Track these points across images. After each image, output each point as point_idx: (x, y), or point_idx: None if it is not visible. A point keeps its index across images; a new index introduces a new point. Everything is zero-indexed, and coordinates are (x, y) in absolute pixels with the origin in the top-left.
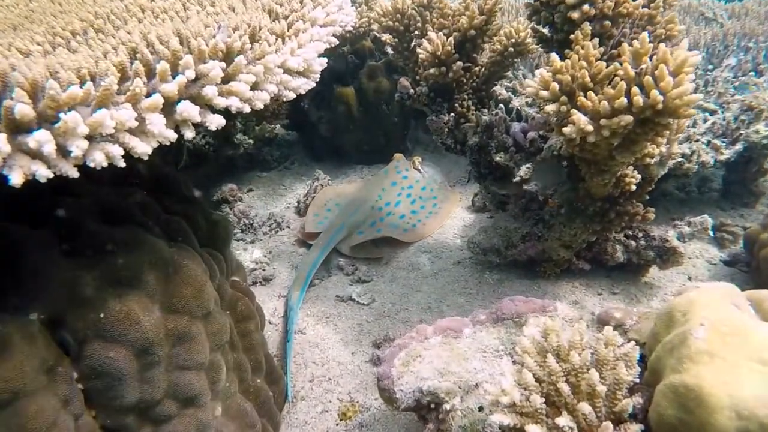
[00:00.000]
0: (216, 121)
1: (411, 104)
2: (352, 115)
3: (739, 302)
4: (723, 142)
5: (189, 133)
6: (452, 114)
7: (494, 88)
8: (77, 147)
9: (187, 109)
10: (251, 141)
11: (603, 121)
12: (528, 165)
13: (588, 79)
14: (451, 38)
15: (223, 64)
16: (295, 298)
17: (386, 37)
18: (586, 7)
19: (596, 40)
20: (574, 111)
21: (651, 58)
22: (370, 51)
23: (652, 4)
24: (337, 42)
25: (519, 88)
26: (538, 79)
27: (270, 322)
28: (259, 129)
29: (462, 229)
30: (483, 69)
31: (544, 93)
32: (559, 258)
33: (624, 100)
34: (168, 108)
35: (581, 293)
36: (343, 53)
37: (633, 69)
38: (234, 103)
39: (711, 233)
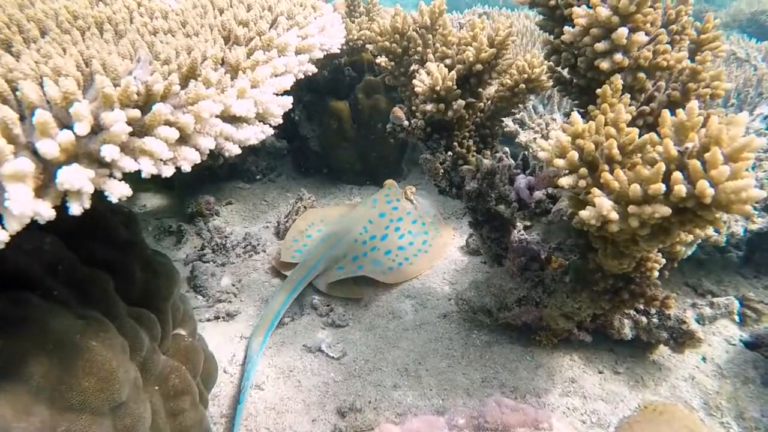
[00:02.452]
0: (119, 192)
1: (404, 137)
2: (345, 131)
3: None
4: (755, 208)
5: (76, 208)
6: (450, 153)
7: (506, 123)
8: None
9: (68, 180)
10: None
11: (632, 209)
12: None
13: (616, 151)
14: (454, 72)
15: (137, 113)
16: (256, 345)
17: (382, 60)
18: (618, 56)
19: (628, 97)
20: (595, 190)
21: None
22: (369, 64)
23: (697, 58)
24: (315, 70)
25: (528, 121)
26: (554, 143)
27: (225, 372)
28: None
29: (453, 273)
30: (489, 103)
31: (560, 162)
32: (558, 328)
33: (661, 186)
34: (51, 172)
35: (580, 369)
36: (339, 65)
37: (675, 147)
38: (145, 167)
39: (737, 318)
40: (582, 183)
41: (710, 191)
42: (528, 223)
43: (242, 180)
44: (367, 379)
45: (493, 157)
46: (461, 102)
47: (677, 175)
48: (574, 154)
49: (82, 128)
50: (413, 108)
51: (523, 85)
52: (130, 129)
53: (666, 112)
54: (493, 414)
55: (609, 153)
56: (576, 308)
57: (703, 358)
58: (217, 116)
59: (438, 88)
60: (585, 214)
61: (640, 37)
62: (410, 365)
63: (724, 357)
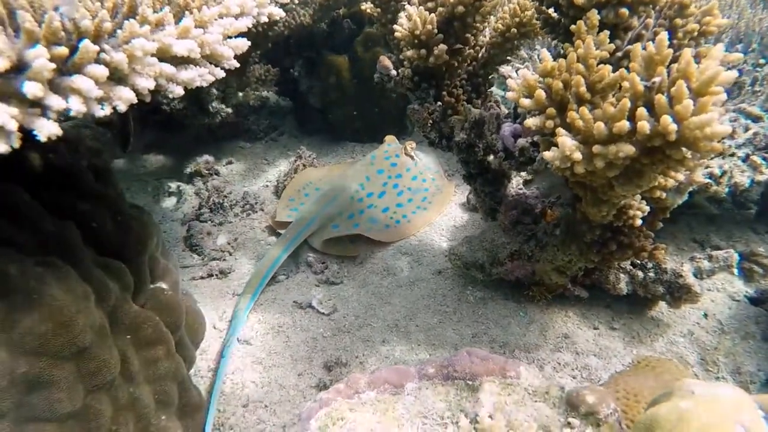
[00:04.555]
0: (48, 130)
1: (393, 87)
2: (345, 87)
3: (748, 419)
4: (764, 158)
5: (1, 146)
6: (439, 103)
7: (502, 70)
8: None
9: None
10: (229, 110)
11: (596, 148)
12: (524, 172)
13: (583, 89)
14: (434, 15)
15: (65, 51)
16: (244, 302)
17: (368, 6)
18: None
19: (605, 34)
20: (560, 130)
21: (671, 66)
22: (369, 16)
23: None
24: (282, 13)
25: None
26: (521, 82)
27: (215, 328)
28: (242, 95)
29: (451, 230)
30: (482, 51)
31: (526, 102)
32: (552, 283)
33: (626, 123)
34: None
35: (574, 325)
36: (337, 17)
37: (643, 82)
38: (74, 106)
39: (736, 272)
40: (549, 124)
41: (673, 127)
42: (528, 177)
43: (243, 139)
44: (356, 334)
45: (483, 107)
46: (443, 47)
47: (642, 111)
48: (542, 94)
49: (3, 63)
50: (401, 57)
51: (515, 30)
52: (53, 66)
53: (638, 46)
54: (462, 363)
55: (577, 91)
56: (566, 262)
57: (705, 314)
58: (156, 56)
59: (418, 32)
60: (548, 155)
61: None
62: (401, 321)
63: (726, 313)
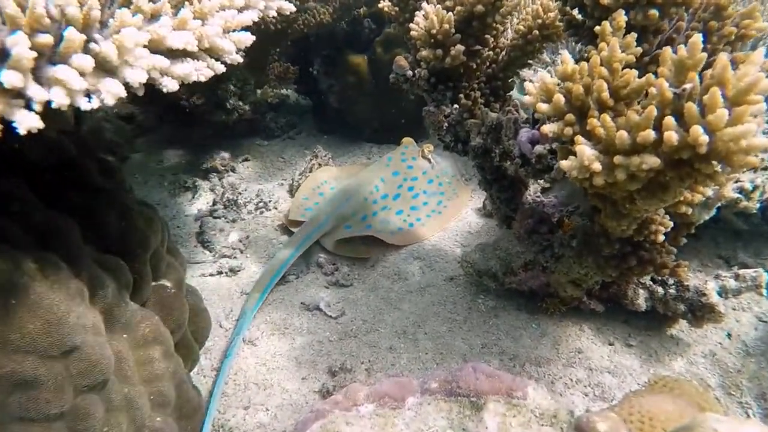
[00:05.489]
0: (28, 123)
1: (409, 88)
2: (363, 87)
3: None
4: None
5: None
6: (456, 106)
7: (524, 73)
8: None
9: None
10: (246, 107)
11: (617, 159)
12: (541, 180)
13: (606, 94)
14: (451, 14)
15: (49, 39)
16: (252, 302)
17: (385, 4)
18: None
19: (632, 37)
20: (579, 138)
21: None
22: (387, 16)
23: None
24: (293, 8)
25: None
26: (539, 85)
27: (221, 326)
28: (260, 93)
29: (466, 236)
30: (502, 53)
31: (544, 107)
32: (566, 295)
33: (651, 133)
34: None
35: (588, 340)
36: (358, 16)
37: (672, 88)
38: (57, 98)
39: (765, 293)
40: (568, 131)
41: (704, 138)
42: (547, 185)
43: (261, 137)
44: (363, 339)
45: (502, 111)
46: (460, 48)
47: (669, 120)
48: (560, 98)
49: None
50: (417, 57)
51: (537, 32)
52: (33, 54)
53: (667, 49)
54: (467, 379)
55: (599, 97)
56: (582, 275)
57: (729, 335)
58: (149, 48)
59: (435, 32)
60: (565, 164)
61: None
62: (409, 328)
63: (752, 334)
